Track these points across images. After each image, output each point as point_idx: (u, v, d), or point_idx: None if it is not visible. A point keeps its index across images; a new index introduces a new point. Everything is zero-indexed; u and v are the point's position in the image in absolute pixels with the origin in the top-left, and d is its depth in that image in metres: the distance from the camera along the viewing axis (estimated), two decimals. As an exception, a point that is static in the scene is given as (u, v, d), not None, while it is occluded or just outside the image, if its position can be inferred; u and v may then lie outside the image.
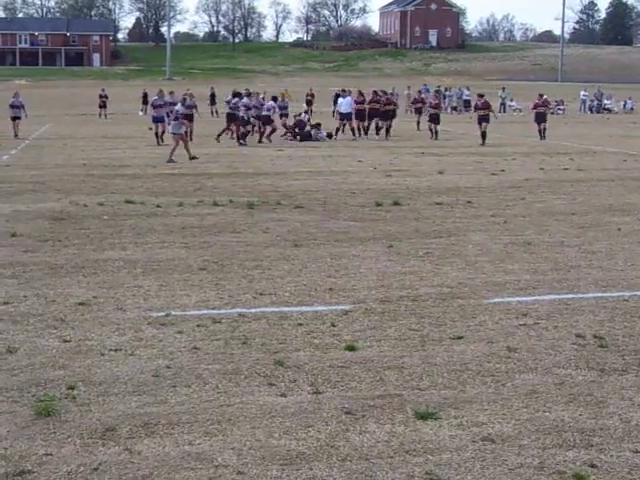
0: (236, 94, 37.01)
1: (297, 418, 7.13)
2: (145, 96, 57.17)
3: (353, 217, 17.16)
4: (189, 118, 33.62)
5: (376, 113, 39.58)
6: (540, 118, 39.31)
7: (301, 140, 37.27)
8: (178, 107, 29.50)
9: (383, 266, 12.80)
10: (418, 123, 43.79)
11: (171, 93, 36.94)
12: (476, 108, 38.15)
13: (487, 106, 37.01)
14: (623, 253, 13.90)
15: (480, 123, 36.73)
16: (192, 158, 27.83)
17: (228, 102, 37.18)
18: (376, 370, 8.27)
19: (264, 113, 36.49)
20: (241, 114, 35.44)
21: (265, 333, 9.44)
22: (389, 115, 39.86)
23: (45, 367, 8.28)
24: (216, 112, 53.29)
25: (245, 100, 36.26)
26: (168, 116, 36.62)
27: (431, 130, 38.98)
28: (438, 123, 39.09)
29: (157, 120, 34.63)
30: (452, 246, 14.36)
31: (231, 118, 35.96)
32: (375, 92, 40.77)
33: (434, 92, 69.42)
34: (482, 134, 36.02)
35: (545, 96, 40.64)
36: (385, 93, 42.83)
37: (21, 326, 9.64)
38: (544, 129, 38.93)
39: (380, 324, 9.84)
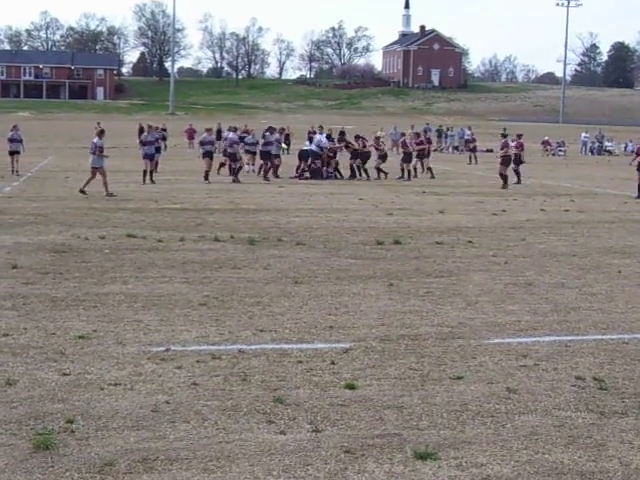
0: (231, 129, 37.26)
1: (296, 456, 7.11)
2: (141, 130, 57.55)
3: (354, 255, 17.17)
4: (150, 155, 33.12)
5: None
6: (515, 160, 37.09)
7: (312, 177, 37.11)
8: (96, 140, 28.38)
9: (383, 304, 12.80)
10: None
11: (151, 128, 35.87)
12: (502, 147, 36.44)
13: (505, 146, 35.99)
14: (623, 295, 13.90)
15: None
16: (109, 195, 27.37)
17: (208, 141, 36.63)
18: (376, 409, 8.25)
19: (262, 149, 36.36)
20: (229, 150, 35.60)
21: (265, 370, 9.43)
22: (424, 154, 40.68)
23: (44, 400, 8.26)
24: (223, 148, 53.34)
25: (231, 135, 36.24)
26: (159, 152, 37.06)
27: (402, 170, 38.70)
28: (409, 162, 38.87)
29: (147, 157, 33.24)
30: (453, 286, 14.36)
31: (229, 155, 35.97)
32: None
33: (435, 131, 69.87)
34: (505, 177, 34.67)
35: (521, 139, 39.23)
36: (418, 135, 43.61)
37: (21, 358, 9.62)
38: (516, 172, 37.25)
39: (380, 363, 9.83)
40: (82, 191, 27.32)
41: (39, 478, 6.58)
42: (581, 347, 10.71)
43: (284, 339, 10.77)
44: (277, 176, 36.88)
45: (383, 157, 39.06)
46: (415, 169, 39.61)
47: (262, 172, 36.41)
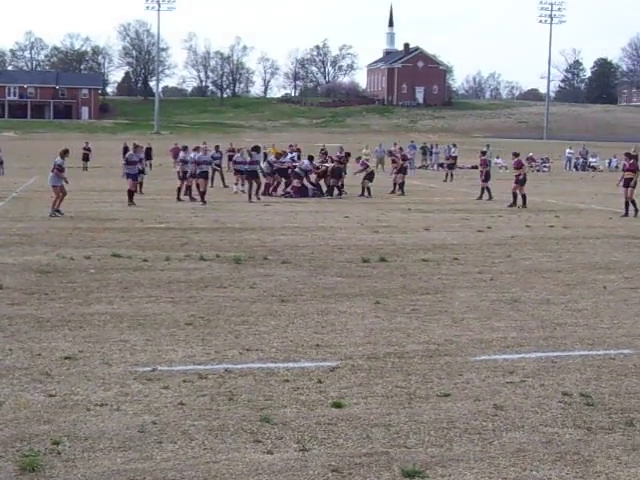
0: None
1: (283, 476, 7.09)
2: (125, 149, 57.53)
3: (340, 273, 17.18)
4: (132, 175, 32.43)
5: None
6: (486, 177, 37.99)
7: (300, 195, 37.10)
8: (57, 160, 28.12)
9: (370, 322, 12.80)
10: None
11: (137, 147, 34.66)
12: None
13: (519, 166, 34.95)
14: (609, 311, 13.93)
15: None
16: (56, 211, 27.28)
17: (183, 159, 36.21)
18: (363, 427, 8.24)
19: (247, 167, 35.93)
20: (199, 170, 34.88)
21: (251, 389, 9.41)
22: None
23: (30, 422, 8.22)
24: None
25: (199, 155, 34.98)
26: (143, 172, 36.81)
27: (364, 188, 38.85)
28: (371, 180, 39.04)
29: (130, 176, 32.44)
30: (439, 303, 14.38)
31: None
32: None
33: (420, 148, 70.07)
34: (523, 195, 34.03)
35: (485, 156, 39.80)
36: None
37: (6, 380, 9.58)
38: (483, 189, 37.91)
39: (367, 381, 9.83)
40: (57, 211, 27.25)
41: (25, 500, 6.55)
42: (567, 363, 10.73)
43: (270, 358, 10.76)
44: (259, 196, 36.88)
45: (370, 176, 39.21)
46: (397, 185, 40.07)
47: (253, 192, 35.45)
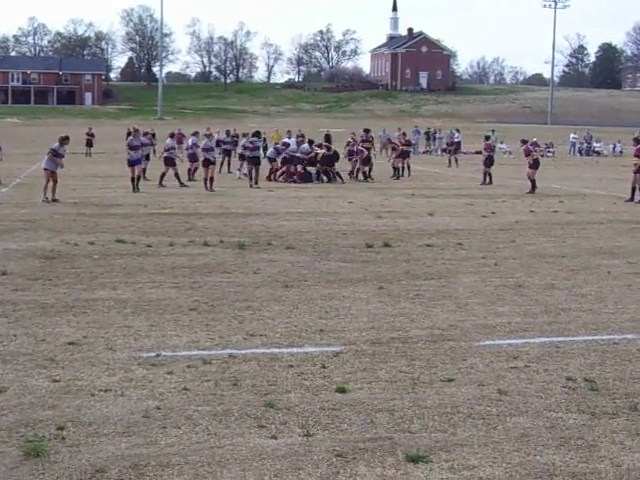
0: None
1: (287, 460, 7.10)
2: (129, 134, 57.50)
3: (344, 258, 17.17)
4: (134, 161, 31.99)
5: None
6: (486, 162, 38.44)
7: (303, 181, 37.08)
8: (55, 144, 28.03)
9: (374, 308, 12.80)
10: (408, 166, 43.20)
11: (137, 132, 34.16)
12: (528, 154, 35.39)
13: (528, 153, 35.11)
14: (613, 296, 13.92)
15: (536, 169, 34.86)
16: (53, 200, 27.01)
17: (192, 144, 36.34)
18: (367, 412, 8.24)
19: (248, 154, 35.91)
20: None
21: (255, 374, 9.42)
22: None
23: (34, 407, 8.24)
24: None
25: (169, 141, 35.57)
26: (148, 158, 36.70)
27: (361, 172, 39.21)
28: (366, 165, 39.28)
29: (133, 163, 31.79)
30: (443, 288, 14.37)
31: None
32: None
33: (424, 133, 69.97)
34: (531, 182, 33.94)
35: (489, 141, 40.10)
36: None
37: (10, 365, 9.59)
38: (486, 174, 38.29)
39: (371, 366, 9.83)
40: (53, 200, 26.99)
41: (30, 485, 6.56)
42: (571, 348, 10.73)
43: (274, 343, 10.76)
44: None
45: (366, 161, 39.22)
46: (398, 169, 40.17)
47: (253, 177, 35.25)
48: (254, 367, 9.70)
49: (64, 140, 28.33)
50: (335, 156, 38.84)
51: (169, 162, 34.31)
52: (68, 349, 10.30)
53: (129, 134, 36.15)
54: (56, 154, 27.83)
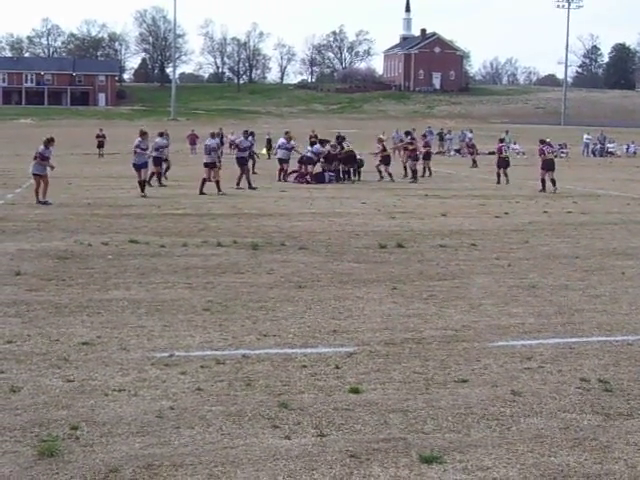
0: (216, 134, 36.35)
1: (301, 461, 7.09)
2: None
3: (357, 259, 17.16)
4: (140, 165, 30.95)
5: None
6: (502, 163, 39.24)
7: (317, 182, 37.18)
8: (40, 148, 27.52)
9: (387, 308, 12.79)
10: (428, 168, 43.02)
11: (145, 134, 32.10)
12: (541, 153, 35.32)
13: (539, 153, 35.54)
14: (627, 297, 13.88)
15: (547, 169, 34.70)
16: (44, 202, 26.56)
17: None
18: (380, 413, 8.24)
19: (236, 155, 35.54)
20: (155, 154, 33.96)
21: (269, 375, 9.42)
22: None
23: (48, 407, 8.25)
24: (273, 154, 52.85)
25: (159, 140, 35.16)
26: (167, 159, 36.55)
27: (380, 172, 39.30)
28: (388, 164, 39.42)
29: (140, 166, 30.64)
30: (456, 289, 14.35)
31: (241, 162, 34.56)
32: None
33: (437, 134, 69.87)
34: (552, 181, 34.08)
35: (502, 144, 40.70)
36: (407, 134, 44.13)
37: (25, 365, 9.62)
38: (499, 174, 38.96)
39: (384, 367, 9.82)
40: (43, 202, 26.58)
41: (44, 485, 6.57)
42: (585, 349, 10.70)
43: (288, 344, 10.76)
44: (284, 180, 37.79)
45: (386, 159, 39.33)
46: (415, 171, 39.97)
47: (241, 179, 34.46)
48: (267, 367, 9.70)
49: (49, 142, 27.83)
50: (354, 156, 39.11)
51: (157, 162, 34.23)
52: (82, 349, 10.32)
53: (160, 135, 35.94)
54: (43, 158, 27.34)
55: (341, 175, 38.81)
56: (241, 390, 8.86)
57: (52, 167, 27.89)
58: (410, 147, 40.51)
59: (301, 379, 9.29)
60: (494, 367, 9.86)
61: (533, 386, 9.17)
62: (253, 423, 7.92)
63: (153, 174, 33.89)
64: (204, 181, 31.49)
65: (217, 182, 31.58)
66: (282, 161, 38.67)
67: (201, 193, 30.69)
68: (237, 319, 11.94)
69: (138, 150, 30.80)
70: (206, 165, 31.99)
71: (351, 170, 39.13)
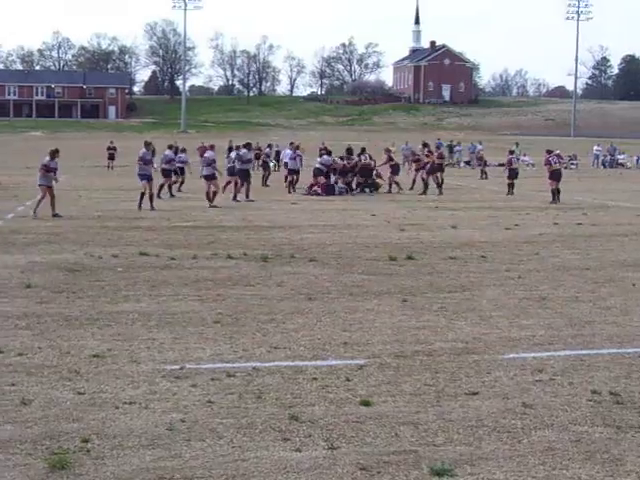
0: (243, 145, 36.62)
1: (312, 474, 7.09)
2: (169, 149, 59.05)
3: (367, 271, 17.16)
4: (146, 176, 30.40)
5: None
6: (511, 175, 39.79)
7: (326, 194, 37.27)
8: (45, 159, 27.40)
9: (397, 320, 12.78)
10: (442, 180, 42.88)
11: (148, 145, 31.24)
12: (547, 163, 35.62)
13: (545, 163, 35.85)
14: (638, 309, 13.84)
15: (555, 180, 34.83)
16: (55, 215, 26.40)
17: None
18: (391, 426, 8.22)
19: (241, 167, 35.63)
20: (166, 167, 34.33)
21: (279, 387, 9.42)
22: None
23: (59, 419, 8.26)
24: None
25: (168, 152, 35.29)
26: (183, 172, 36.66)
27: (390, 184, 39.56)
28: (396, 174, 39.96)
29: (145, 178, 29.75)
30: (466, 301, 14.33)
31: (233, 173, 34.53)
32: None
33: (447, 146, 69.90)
34: (556, 190, 34.52)
35: (512, 155, 41.21)
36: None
37: (35, 378, 9.63)
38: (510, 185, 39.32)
39: (395, 379, 9.81)
40: (54, 214, 26.40)
41: (55, 498, 6.58)
42: (596, 361, 10.67)
43: (298, 356, 10.76)
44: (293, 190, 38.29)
45: (394, 168, 39.51)
46: (427, 183, 39.87)
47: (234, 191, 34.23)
48: (278, 380, 9.70)
49: (54, 154, 27.74)
50: (371, 168, 39.38)
51: (167, 174, 34.32)
52: (92, 362, 10.33)
53: (169, 148, 36.05)
54: (48, 169, 27.23)
55: (354, 187, 38.98)
56: (252, 403, 8.86)
57: (56, 180, 27.82)
58: (427, 159, 40.51)
59: (312, 392, 9.29)
60: (505, 379, 9.84)
61: (544, 398, 9.15)
62: (264, 436, 7.92)
63: (162, 186, 33.91)
64: (207, 194, 31.51)
65: (214, 193, 31.52)
66: (292, 172, 39.00)
67: (211, 206, 30.68)
68: (247, 331, 11.94)
69: (140, 163, 30.43)
70: (206, 178, 32.05)
71: (368, 182, 39.34)
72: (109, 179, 46.02)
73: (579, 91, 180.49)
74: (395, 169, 39.78)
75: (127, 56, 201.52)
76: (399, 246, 20.70)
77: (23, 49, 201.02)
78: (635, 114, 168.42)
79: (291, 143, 43.65)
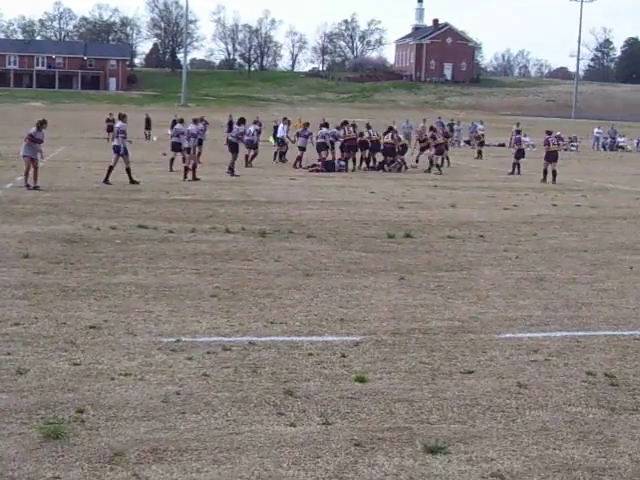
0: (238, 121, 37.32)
1: (306, 448, 7.10)
2: (148, 121, 61.47)
3: (365, 248, 17.16)
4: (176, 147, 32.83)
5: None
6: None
7: (327, 170, 37.29)
8: (32, 129, 26.82)
9: (394, 298, 12.79)
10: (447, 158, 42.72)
11: (123, 117, 29.97)
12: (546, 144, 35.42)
13: (544, 143, 35.81)
14: (634, 291, 13.86)
15: (550, 160, 34.99)
16: (35, 187, 25.94)
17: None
18: (386, 402, 8.24)
19: (247, 138, 37.04)
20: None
21: (275, 362, 9.43)
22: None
23: (55, 390, 8.27)
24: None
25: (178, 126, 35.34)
26: (201, 143, 36.52)
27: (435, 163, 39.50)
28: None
29: (117, 151, 29.18)
30: (464, 280, 14.34)
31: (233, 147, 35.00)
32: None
33: (447, 125, 69.73)
34: (553, 172, 34.65)
35: (518, 135, 41.29)
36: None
37: (31, 348, 9.64)
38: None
39: (390, 356, 9.82)
40: (35, 187, 26.03)
41: (49, 467, 6.59)
42: (592, 343, 10.69)
43: (295, 331, 10.77)
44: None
45: (439, 149, 39.66)
46: (432, 160, 39.75)
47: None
48: (274, 355, 9.71)
49: (42, 124, 27.20)
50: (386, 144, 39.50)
51: (176, 147, 34.12)
52: (89, 333, 10.34)
53: (174, 122, 36.27)
54: (34, 139, 26.70)
55: (359, 163, 39.35)
56: (247, 377, 8.87)
57: (42, 155, 27.38)
58: (434, 141, 40.22)
59: (307, 367, 9.30)
60: (500, 359, 9.86)
61: (539, 379, 9.16)
62: (258, 410, 7.94)
63: (173, 160, 34.24)
64: (190, 167, 31.29)
65: (187, 168, 31.30)
66: (300, 149, 39.45)
67: (194, 179, 30.70)
68: (244, 306, 11.96)
69: (120, 135, 29.41)
70: (187, 150, 32.11)
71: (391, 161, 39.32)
72: (108, 151, 45.81)
73: (581, 73, 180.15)
74: (440, 149, 39.54)
75: (128, 28, 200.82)
76: (397, 224, 20.69)
77: (24, 19, 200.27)
78: (637, 97, 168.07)
79: (284, 118, 44.68)
